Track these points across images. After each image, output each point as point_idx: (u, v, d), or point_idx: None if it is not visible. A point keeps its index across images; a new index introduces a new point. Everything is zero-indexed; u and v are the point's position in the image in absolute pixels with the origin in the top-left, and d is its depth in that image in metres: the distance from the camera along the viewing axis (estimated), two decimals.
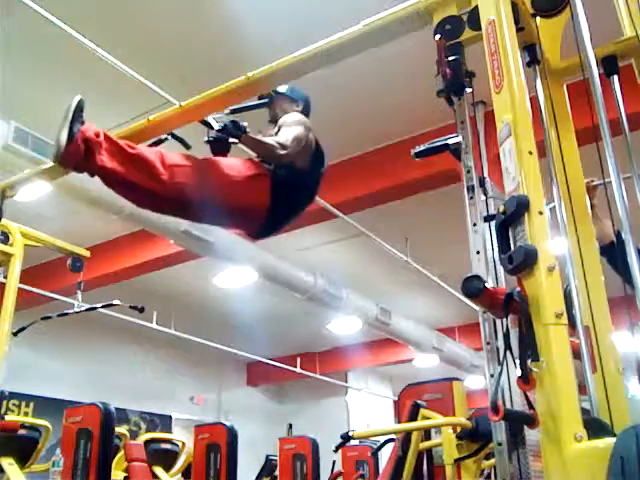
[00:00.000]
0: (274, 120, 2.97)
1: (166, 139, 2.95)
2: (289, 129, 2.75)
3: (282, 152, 2.65)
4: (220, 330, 10.04)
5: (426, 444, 4.21)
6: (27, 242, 5.02)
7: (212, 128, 2.80)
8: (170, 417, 11.25)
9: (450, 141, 2.19)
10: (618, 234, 1.94)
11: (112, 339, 10.08)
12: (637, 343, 2.00)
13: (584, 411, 1.54)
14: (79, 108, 2.38)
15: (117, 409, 4.84)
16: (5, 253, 4.79)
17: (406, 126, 5.67)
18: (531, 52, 2.21)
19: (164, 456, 6.07)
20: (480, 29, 1.89)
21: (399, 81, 5.15)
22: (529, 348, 1.45)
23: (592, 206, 2.35)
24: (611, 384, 1.98)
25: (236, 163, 2.67)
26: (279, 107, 3.00)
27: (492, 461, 3.85)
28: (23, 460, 4.83)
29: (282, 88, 2.98)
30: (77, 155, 2.31)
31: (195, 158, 2.58)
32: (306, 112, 3.00)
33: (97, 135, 2.35)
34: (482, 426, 3.71)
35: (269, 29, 4.55)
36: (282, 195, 2.65)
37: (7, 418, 5.03)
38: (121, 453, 5.87)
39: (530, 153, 1.61)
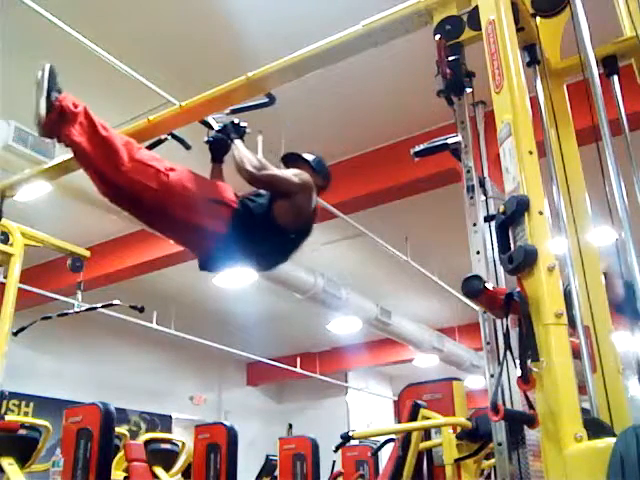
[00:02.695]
0: None
1: (166, 139, 2.95)
2: (285, 171, 2.60)
3: (249, 170, 2.50)
4: (220, 330, 10.04)
5: (426, 444, 4.21)
6: (27, 242, 5.02)
7: (212, 128, 2.80)
8: (170, 417, 11.24)
9: (450, 141, 2.19)
10: (627, 284, 1.92)
11: (112, 339, 10.09)
12: (637, 343, 2.00)
13: (584, 411, 1.54)
14: (53, 75, 2.38)
15: (117, 409, 4.83)
16: (5, 253, 4.79)
17: (406, 126, 5.67)
18: (531, 52, 2.21)
19: (164, 456, 6.06)
20: (480, 29, 1.89)
21: (399, 81, 5.14)
22: (529, 348, 1.44)
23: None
24: (611, 384, 1.98)
25: (206, 183, 2.57)
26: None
27: (492, 461, 3.85)
28: (23, 460, 4.82)
29: (308, 156, 2.73)
30: (53, 123, 2.33)
31: (167, 163, 2.47)
32: (323, 186, 2.76)
33: (75, 106, 2.35)
34: (482, 426, 3.72)
35: (269, 29, 4.55)
36: (242, 230, 2.48)
37: (7, 418, 5.02)
38: (121, 453, 5.87)
39: (530, 153, 1.61)
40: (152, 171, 2.40)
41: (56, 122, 2.33)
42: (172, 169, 2.45)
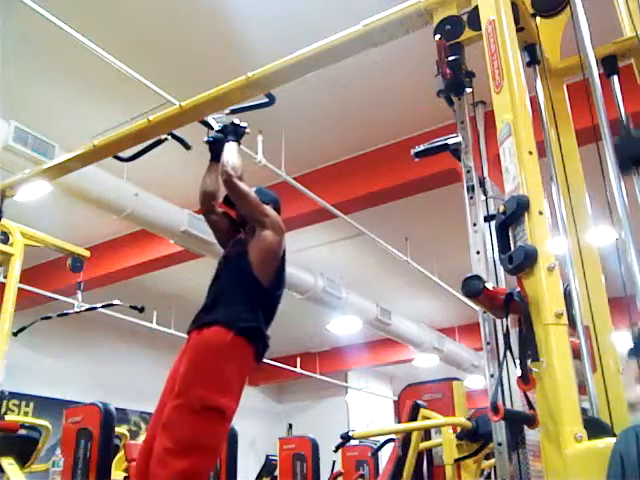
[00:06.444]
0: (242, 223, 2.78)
1: (166, 139, 2.95)
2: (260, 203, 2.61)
3: (229, 172, 2.52)
4: None
5: (426, 444, 4.21)
6: (27, 242, 5.02)
7: (212, 128, 2.80)
8: None
9: (450, 141, 2.19)
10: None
11: (112, 339, 10.08)
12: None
13: (584, 411, 1.54)
14: None
15: (117, 409, 4.83)
16: (5, 253, 4.79)
17: (406, 126, 5.67)
18: (531, 52, 2.21)
19: None
20: (480, 29, 1.89)
21: (399, 81, 5.14)
22: (529, 348, 1.44)
23: None
24: (611, 384, 1.98)
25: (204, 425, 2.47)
26: None
27: (492, 461, 3.85)
28: (23, 460, 4.82)
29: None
30: None
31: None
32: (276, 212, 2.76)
33: None
34: (482, 426, 3.71)
35: (269, 29, 4.55)
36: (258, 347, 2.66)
37: (7, 418, 5.02)
38: (121, 453, 5.86)
39: (530, 153, 1.61)
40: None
41: None
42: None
